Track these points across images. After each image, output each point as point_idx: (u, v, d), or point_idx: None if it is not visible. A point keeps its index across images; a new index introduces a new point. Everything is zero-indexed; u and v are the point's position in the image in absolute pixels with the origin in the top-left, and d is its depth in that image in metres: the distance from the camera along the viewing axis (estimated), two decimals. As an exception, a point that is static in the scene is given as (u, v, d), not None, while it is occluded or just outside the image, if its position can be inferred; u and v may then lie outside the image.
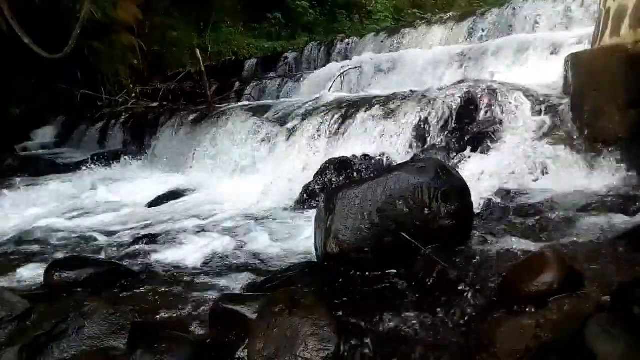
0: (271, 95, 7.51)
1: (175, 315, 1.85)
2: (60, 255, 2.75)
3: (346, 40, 9.24)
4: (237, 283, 2.15)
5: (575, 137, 3.19)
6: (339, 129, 4.18)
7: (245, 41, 13.48)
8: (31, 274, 2.43)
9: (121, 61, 9.15)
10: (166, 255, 2.62)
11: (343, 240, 1.89)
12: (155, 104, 8.12)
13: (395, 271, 1.84)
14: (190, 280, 2.21)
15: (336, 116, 4.29)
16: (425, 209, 1.88)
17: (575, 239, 1.95)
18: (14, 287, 2.24)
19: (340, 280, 1.85)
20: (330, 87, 6.48)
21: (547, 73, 4.03)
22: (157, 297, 2.03)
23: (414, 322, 1.50)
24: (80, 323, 1.63)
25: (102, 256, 2.70)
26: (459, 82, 4.12)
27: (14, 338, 1.69)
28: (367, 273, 1.87)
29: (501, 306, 1.50)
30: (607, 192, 2.58)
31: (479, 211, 2.46)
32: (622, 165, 2.85)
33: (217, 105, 6.29)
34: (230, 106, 5.84)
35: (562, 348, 1.23)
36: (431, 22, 7.90)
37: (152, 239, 2.94)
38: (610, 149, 2.94)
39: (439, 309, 1.53)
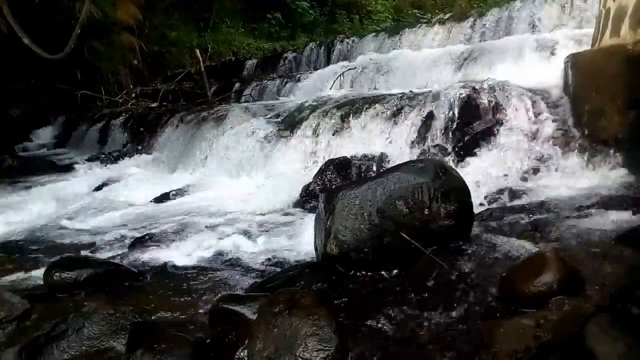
0: (271, 95, 7.51)
1: (175, 315, 1.85)
2: (60, 255, 2.75)
3: (346, 41, 9.25)
4: (237, 283, 2.15)
5: (575, 137, 3.19)
6: (338, 129, 4.18)
7: (245, 41, 13.48)
8: (31, 274, 2.43)
9: (121, 61, 9.15)
10: (166, 255, 2.62)
11: (343, 241, 1.89)
12: (155, 104, 8.12)
13: (395, 271, 1.84)
14: (190, 280, 2.21)
15: (336, 116, 4.29)
16: (425, 210, 1.88)
17: (575, 239, 1.95)
18: (14, 287, 2.24)
19: (340, 280, 1.85)
20: (330, 88, 6.48)
21: (546, 73, 4.03)
22: (157, 297, 2.03)
23: (414, 322, 1.50)
24: (80, 323, 1.62)
25: (102, 256, 2.70)
26: (458, 83, 4.13)
27: (14, 338, 1.69)
28: (367, 273, 1.87)
29: (501, 306, 1.50)
30: (607, 192, 2.58)
31: (479, 211, 2.46)
32: (621, 165, 2.85)
33: (217, 106, 6.29)
34: (230, 106, 5.84)
35: (562, 348, 1.23)
36: (431, 22, 7.90)
37: (152, 238, 2.94)
38: (610, 149, 2.94)
39: (439, 309, 1.53)
